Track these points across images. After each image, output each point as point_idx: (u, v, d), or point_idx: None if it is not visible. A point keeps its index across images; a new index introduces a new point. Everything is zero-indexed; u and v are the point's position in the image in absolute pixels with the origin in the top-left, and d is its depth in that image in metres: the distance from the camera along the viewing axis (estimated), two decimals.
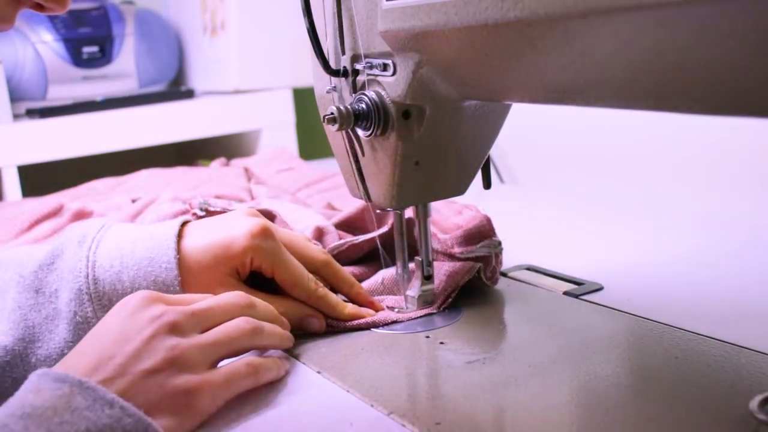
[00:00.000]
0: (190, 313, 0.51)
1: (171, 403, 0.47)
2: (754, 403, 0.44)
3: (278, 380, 0.54)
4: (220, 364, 0.52)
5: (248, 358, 0.53)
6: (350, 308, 0.62)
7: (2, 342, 0.57)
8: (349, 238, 0.71)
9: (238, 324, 0.53)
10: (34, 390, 0.43)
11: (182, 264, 0.59)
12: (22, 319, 0.58)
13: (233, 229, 0.60)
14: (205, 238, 0.60)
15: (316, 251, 0.64)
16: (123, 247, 0.60)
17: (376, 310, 0.64)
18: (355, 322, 0.62)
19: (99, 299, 0.58)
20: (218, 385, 0.49)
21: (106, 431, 0.42)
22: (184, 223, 0.63)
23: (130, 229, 0.63)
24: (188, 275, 0.59)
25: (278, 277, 0.61)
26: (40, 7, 0.46)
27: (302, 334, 0.61)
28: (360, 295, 0.65)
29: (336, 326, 0.61)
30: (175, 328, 0.50)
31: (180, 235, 0.61)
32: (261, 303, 0.57)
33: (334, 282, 0.64)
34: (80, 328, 0.58)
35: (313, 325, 0.61)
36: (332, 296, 0.62)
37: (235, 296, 0.55)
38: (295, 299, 0.61)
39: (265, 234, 0.60)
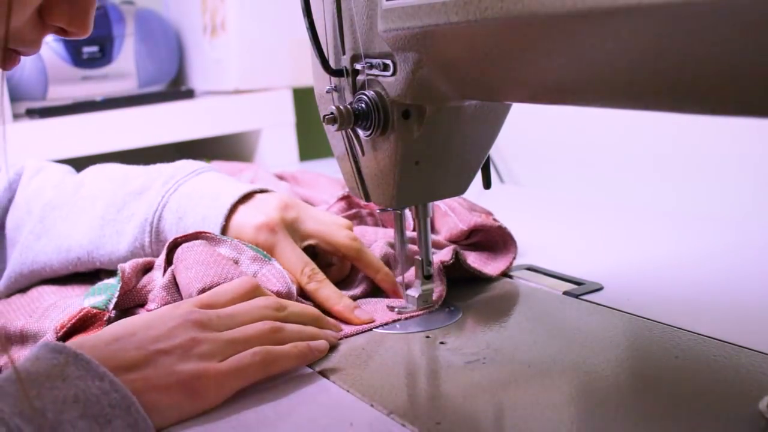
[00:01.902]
0: (215, 315, 0.54)
1: (176, 384, 0.49)
2: (763, 404, 0.44)
3: (282, 378, 0.54)
4: None
5: (262, 350, 0.53)
6: (340, 306, 0.63)
7: (79, 240, 0.73)
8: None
9: (258, 325, 0.55)
10: (32, 358, 0.46)
11: (227, 228, 0.68)
12: (100, 227, 0.73)
13: (252, 217, 0.68)
14: (239, 218, 0.68)
15: (342, 237, 0.68)
16: (192, 197, 0.71)
17: (396, 298, 0.66)
18: (356, 327, 0.62)
19: (157, 234, 0.71)
20: (224, 374, 0.50)
21: (93, 400, 0.44)
22: (252, 193, 0.70)
23: (212, 181, 0.73)
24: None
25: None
26: (63, 32, 0.47)
27: None
28: (383, 281, 0.67)
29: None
30: (198, 324, 0.53)
31: (242, 202, 0.69)
32: (294, 305, 0.59)
33: (359, 266, 0.68)
34: (137, 250, 0.71)
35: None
36: (324, 291, 0.64)
37: (266, 300, 0.58)
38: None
39: (268, 229, 0.67)
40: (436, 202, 0.76)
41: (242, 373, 0.51)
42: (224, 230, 0.68)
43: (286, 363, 0.54)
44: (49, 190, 0.77)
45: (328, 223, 0.69)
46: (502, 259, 0.73)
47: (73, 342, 0.50)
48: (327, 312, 0.63)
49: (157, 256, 0.70)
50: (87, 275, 0.75)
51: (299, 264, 0.66)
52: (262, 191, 0.72)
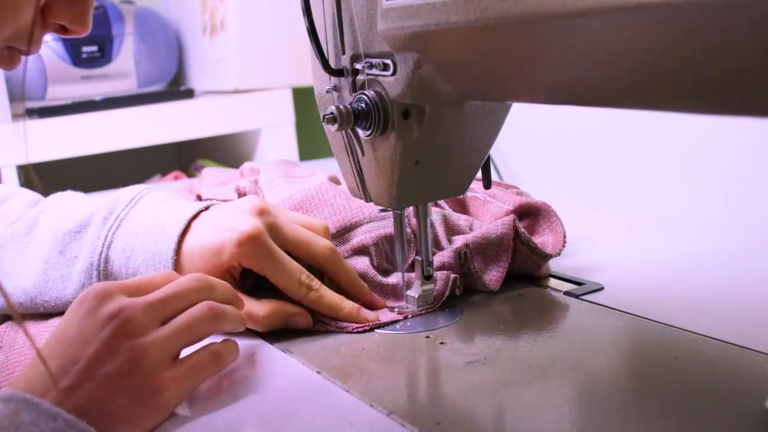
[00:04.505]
0: (147, 305, 0.51)
1: (136, 403, 0.48)
2: None
3: (282, 378, 0.54)
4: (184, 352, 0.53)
5: (211, 346, 0.53)
6: (347, 310, 0.62)
7: (24, 284, 0.67)
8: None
9: (200, 311, 0.53)
10: None
11: (179, 261, 0.63)
12: (43, 272, 0.66)
13: (226, 232, 0.61)
14: (202, 240, 0.63)
15: (320, 247, 0.64)
16: (137, 234, 0.65)
17: (376, 308, 0.64)
18: (355, 326, 0.61)
19: (106, 276, 0.65)
20: (182, 379, 0.50)
21: None
22: (197, 213, 0.65)
23: (153, 208, 0.67)
24: (183, 272, 0.63)
25: (270, 280, 0.62)
26: (64, 30, 0.47)
27: (302, 333, 0.61)
28: (361, 294, 0.65)
29: (336, 328, 0.61)
30: (133, 326, 0.50)
31: (188, 229, 0.64)
32: (220, 283, 0.57)
33: (336, 278, 0.64)
34: None
35: (299, 323, 0.61)
36: (327, 298, 0.62)
37: (194, 279, 0.55)
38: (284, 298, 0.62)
39: (253, 241, 0.60)
40: (473, 193, 0.76)
41: (199, 374, 0.52)
42: (177, 264, 0.63)
43: (230, 360, 0.54)
44: (4, 227, 0.71)
45: (305, 230, 0.65)
46: (553, 237, 0.71)
47: (21, 382, 0.48)
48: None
49: None
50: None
51: (294, 273, 0.61)
52: (207, 208, 0.66)
